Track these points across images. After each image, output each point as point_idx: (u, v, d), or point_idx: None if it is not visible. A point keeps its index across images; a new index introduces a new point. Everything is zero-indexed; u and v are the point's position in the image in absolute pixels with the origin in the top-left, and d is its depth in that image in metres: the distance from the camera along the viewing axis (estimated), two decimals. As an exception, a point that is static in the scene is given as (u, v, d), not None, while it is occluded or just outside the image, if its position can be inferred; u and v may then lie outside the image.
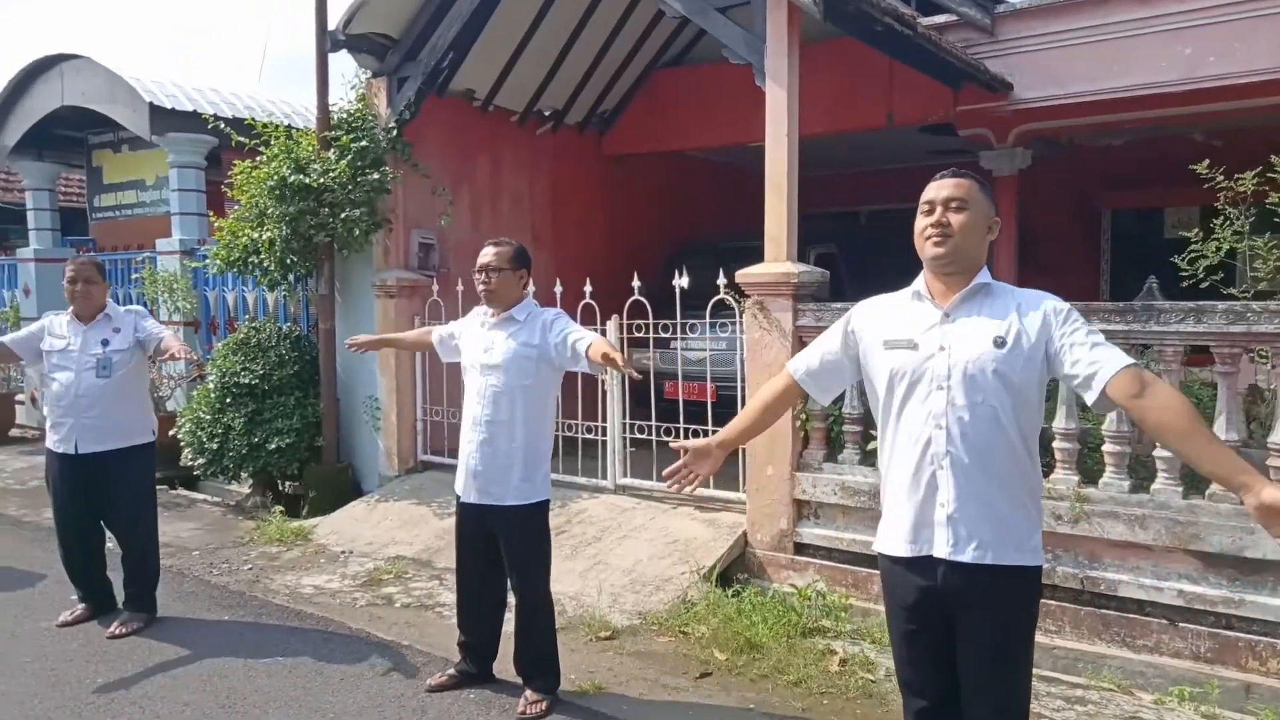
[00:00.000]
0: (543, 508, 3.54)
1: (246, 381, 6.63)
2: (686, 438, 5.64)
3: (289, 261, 6.63)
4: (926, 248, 2.27)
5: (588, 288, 5.82)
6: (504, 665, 3.71)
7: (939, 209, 2.25)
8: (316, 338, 7.26)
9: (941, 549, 2.20)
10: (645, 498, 5.82)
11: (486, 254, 3.51)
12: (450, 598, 4.78)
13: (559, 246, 8.35)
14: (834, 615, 4.41)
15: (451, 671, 3.71)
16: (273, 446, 6.55)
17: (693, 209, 9.95)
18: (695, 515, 5.50)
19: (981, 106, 7.05)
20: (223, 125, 6.89)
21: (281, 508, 6.45)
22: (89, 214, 10.61)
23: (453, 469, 6.82)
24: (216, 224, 6.91)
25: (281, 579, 5.16)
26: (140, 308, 4.49)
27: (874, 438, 4.86)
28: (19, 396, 10.23)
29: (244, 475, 6.86)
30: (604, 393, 5.94)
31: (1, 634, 4.23)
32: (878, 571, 4.74)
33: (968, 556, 2.18)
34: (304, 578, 5.19)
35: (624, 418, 5.89)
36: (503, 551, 3.52)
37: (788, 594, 4.58)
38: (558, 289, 5.85)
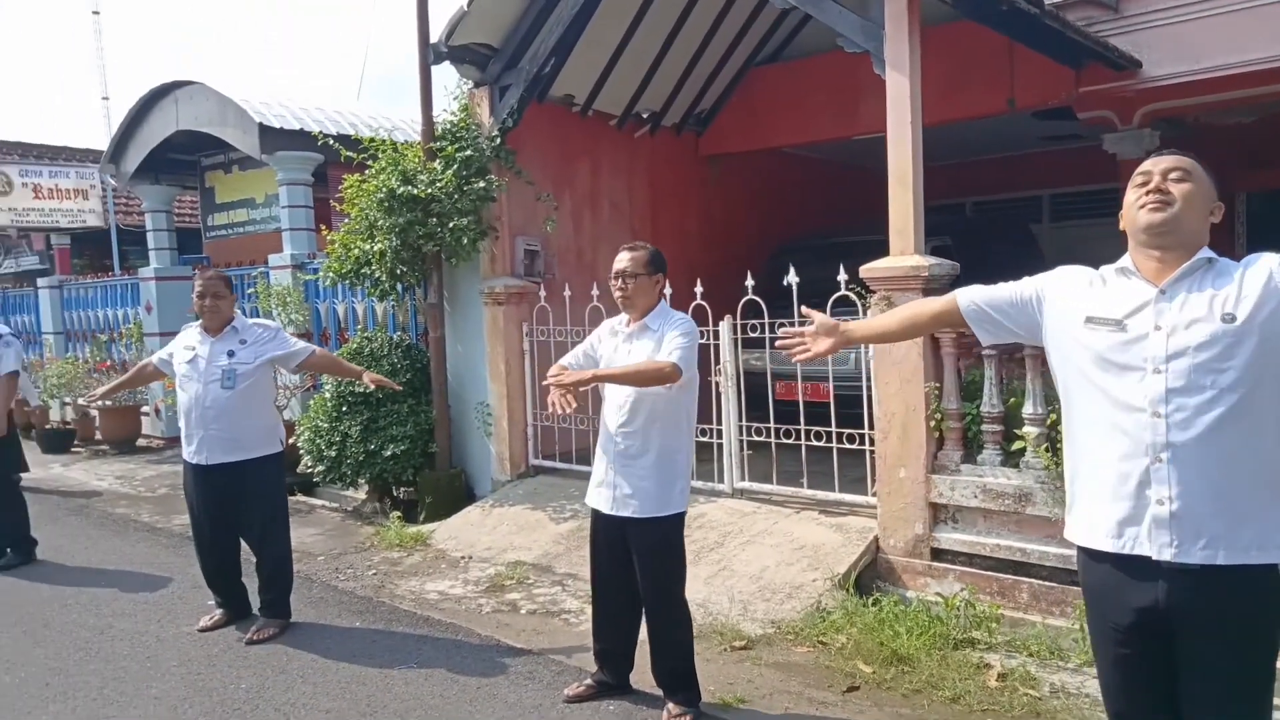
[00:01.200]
0: (678, 521, 3.43)
1: (361, 390, 6.72)
2: (807, 439, 5.51)
3: (399, 272, 6.70)
4: (1140, 216, 2.05)
5: (698, 288, 5.70)
6: (640, 675, 3.61)
7: (1157, 178, 2.04)
8: (425, 346, 7.36)
9: (1160, 550, 1.97)
10: (764, 501, 5.66)
11: (622, 259, 3.43)
12: (575, 604, 4.73)
13: (659, 250, 8.24)
14: (984, 626, 4.17)
15: (589, 682, 3.63)
16: (388, 453, 6.62)
17: (790, 207, 9.75)
18: (820, 520, 5.31)
19: (1106, 87, 6.66)
20: (331, 141, 7.01)
21: (399, 513, 6.51)
22: (203, 233, 11.04)
23: (564, 473, 6.93)
24: (328, 237, 7.04)
25: (406, 584, 5.18)
26: (275, 323, 4.56)
27: (1017, 437, 4.65)
28: (144, 408, 10.68)
29: (361, 481, 6.96)
30: (718, 394, 5.80)
31: (148, 637, 4.34)
32: (1026, 579, 4.55)
33: (1195, 558, 1.94)
34: (427, 583, 5.20)
35: (740, 420, 5.74)
36: (636, 563, 3.42)
37: (932, 603, 4.35)
38: (667, 291, 5.73)
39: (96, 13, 28.78)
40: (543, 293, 6.73)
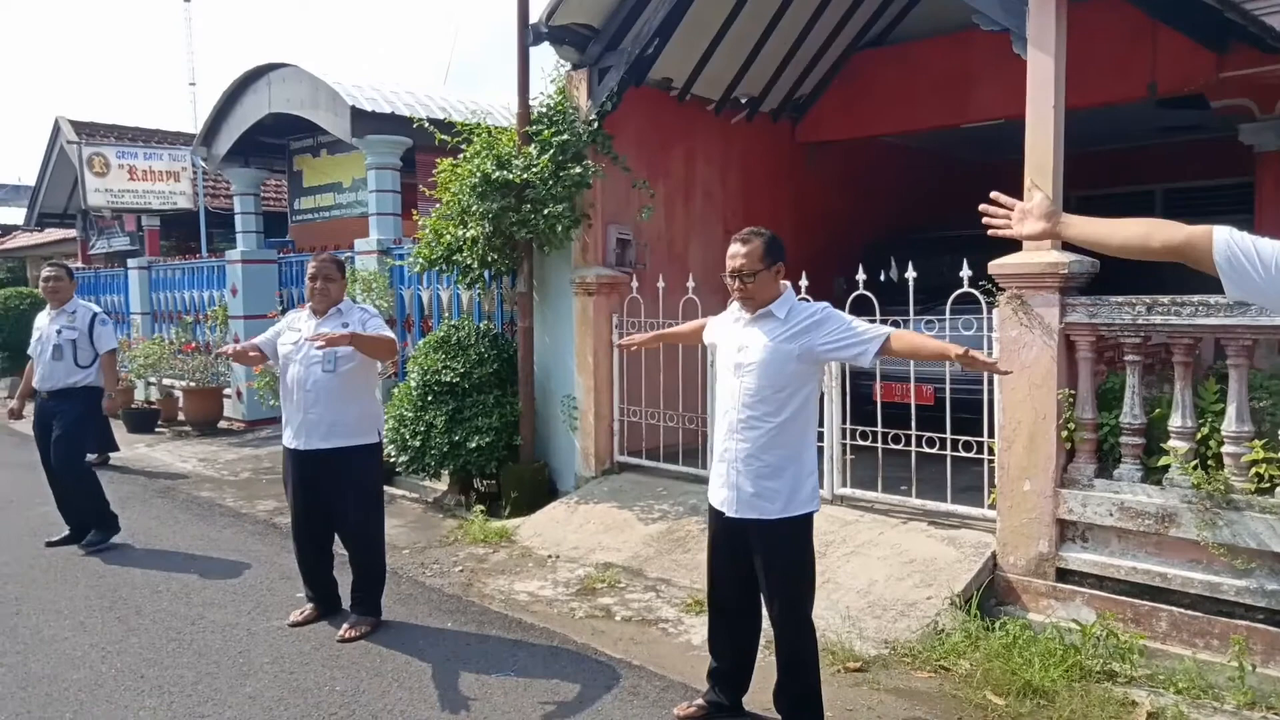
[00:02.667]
0: (808, 523, 3.16)
1: (448, 380, 6.60)
2: (919, 445, 5.18)
3: (489, 259, 6.54)
4: None
5: (804, 281, 5.39)
6: (753, 696, 3.36)
7: None
8: (511, 336, 7.20)
9: None
10: (867, 509, 5.34)
11: (736, 255, 3.14)
12: (672, 612, 4.50)
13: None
14: (1125, 657, 3.80)
15: (700, 702, 3.39)
16: (473, 445, 6.48)
17: (884, 199, 9.36)
18: (929, 532, 4.97)
19: (1251, 72, 6.14)
20: (426, 124, 6.87)
21: (483, 507, 6.37)
22: (289, 216, 11.11)
23: (651, 471, 6.70)
24: (420, 223, 6.92)
25: (494, 583, 5.01)
26: (372, 308, 4.42)
27: (1160, 451, 4.25)
28: (225, 390, 10.80)
29: (443, 473, 6.84)
30: (820, 395, 5.49)
31: (239, 630, 4.24)
32: (1165, 607, 4.15)
33: None
34: (516, 583, 5.02)
35: (843, 422, 5.44)
36: (760, 571, 3.16)
37: (1066, 629, 3.99)
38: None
39: (187, 0, 29.53)
40: (635, 283, 6.51)
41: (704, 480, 6.22)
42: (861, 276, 5.25)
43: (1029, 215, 2.14)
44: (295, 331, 4.23)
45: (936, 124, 7.82)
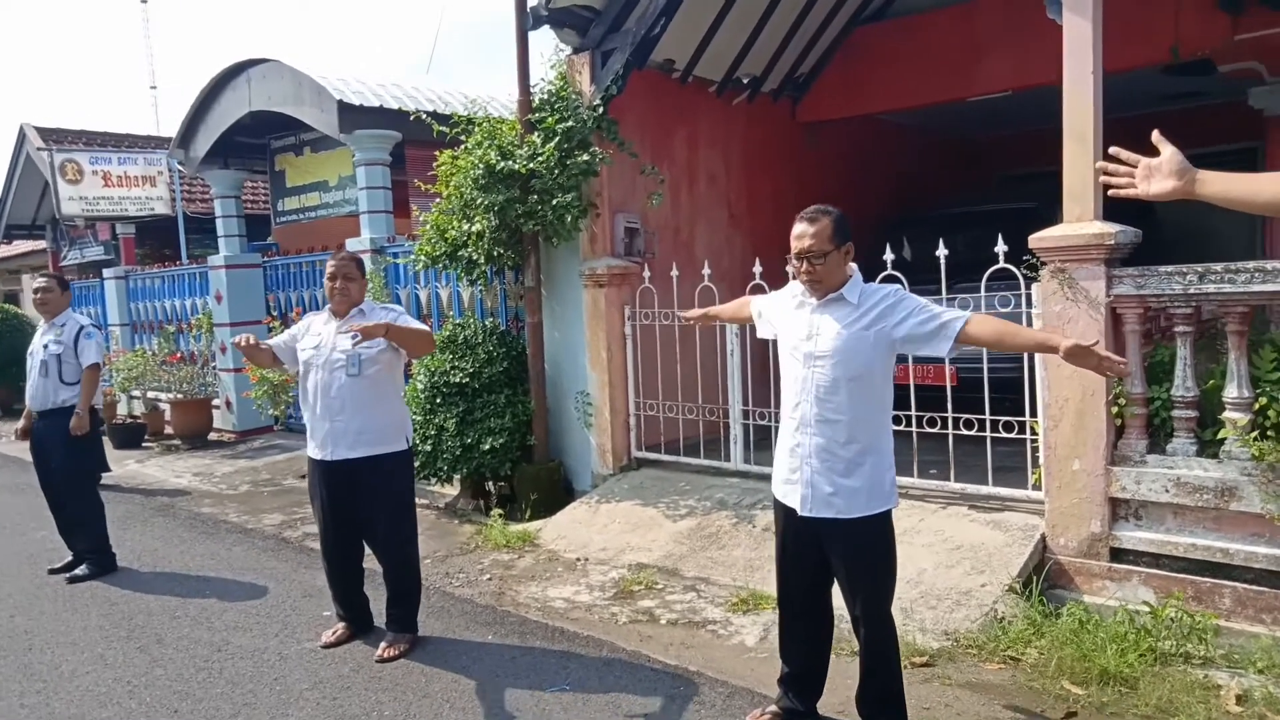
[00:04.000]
0: (889, 519, 3.00)
1: (457, 380, 6.38)
2: (955, 428, 5.04)
3: (495, 254, 6.32)
4: None
5: (757, 268, 5.27)
6: (826, 701, 3.20)
7: None
8: (517, 332, 7.00)
9: None
10: (902, 495, 5.13)
11: (803, 235, 2.93)
12: (718, 613, 4.34)
13: (755, 224, 7.80)
14: (1197, 638, 3.68)
15: (774, 709, 3.23)
16: (486, 447, 6.27)
17: (887, 180, 9.23)
18: (971, 516, 4.85)
19: (1264, 33, 6.05)
20: (425, 117, 6.61)
21: (500, 511, 6.17)
22: (273, 219, 10.77)
23: (670, 466, 6.51)
24: (420, 219, 6.67)
25: (526, 590, 4.82)
26: (399, 307, 4.19)
27: (1218, 423, 4.14)
28: (214, 401, 10.48)
29: (454, 477, 6.63)
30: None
31: (270, 654, 4.02)
32: (1229, 583, 4.04)
33: None
34: (549, 589, 4.83)
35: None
36: (840, 571, 3.00)
37: (1136, 611, 3.87)
38: (758, 268, 5.39)
39: (144, 1, 28.71)
40: (647, 273, 6.31)
41: (727, 473, 6.11)
42: (890, 256, 5.09)
43: (1156, 172, 1.94)
44: (315, 336, 4.00)
45: (941, 98, 7.67)
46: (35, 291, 5.47)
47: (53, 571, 5.40)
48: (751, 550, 4.95)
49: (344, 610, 4.20)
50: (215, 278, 10.29)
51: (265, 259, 10.38)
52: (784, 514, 3.11)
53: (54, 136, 13.39)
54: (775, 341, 3.23)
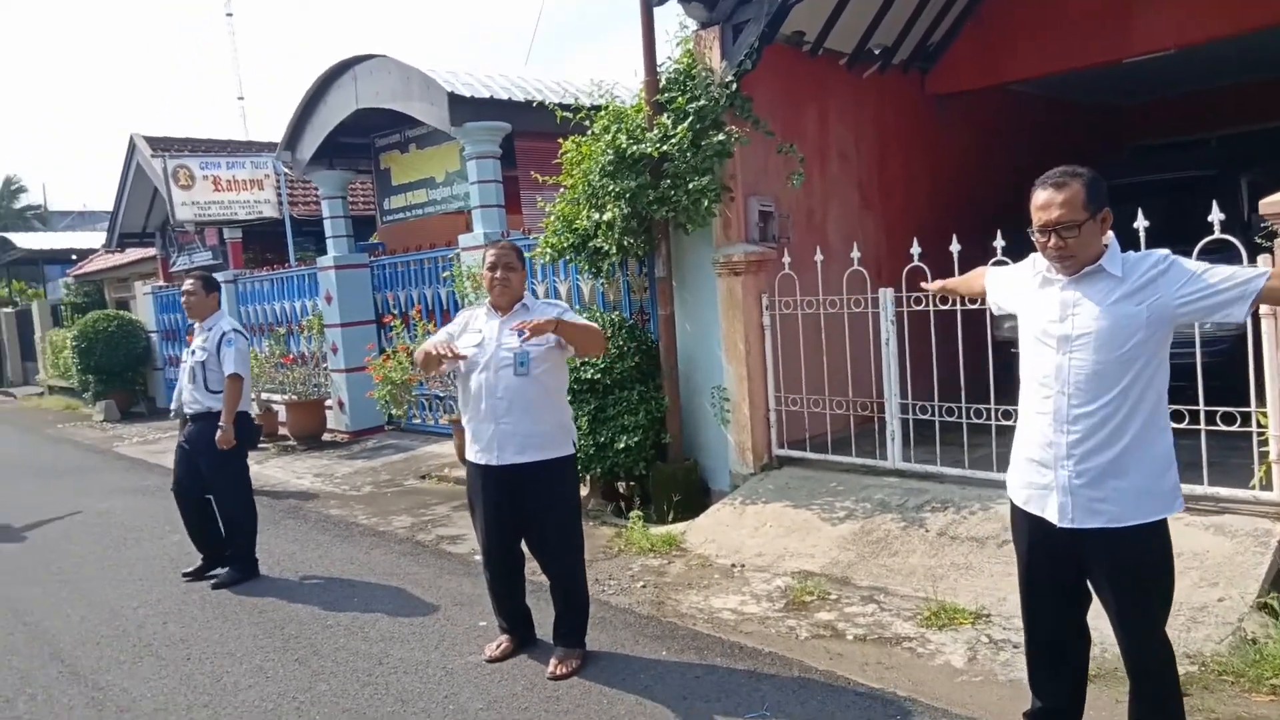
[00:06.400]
0: (1166, 527, 2.57)
1: (589, 377, 6.12)
2: (1174, 420, 4.52)
3: (625, 243, 6.03)
4: None
5: (999, 242, 4.78)
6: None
7: None
8: (643, 326, 6.71)
9: None
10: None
11: (1049, 204, 2.48)
12: (908, 627, 3.95)
13: (887, 204, 7.35)
14: None
15: (1023, 746, 2.83)
16: (621, 445, 6.00)
17: (1020, 153, 8.57)
18: (1187, 520, 4.31)
19: None
20: (551, 105, 6.34)
21: (639, 512, 5.88)
22: (379, 217, 10.74)
23: (815, 465, 6.09)
24: (545, 209, 6.43)
25: (687, 599, 4.52)
26: (563, 302, 3.92)
27: None
28: (328, 401, 10.50)
29: (588, 477, 6.37)
30: (999, 365, 4.90)
31: (434, 669, 3.81)
32: None
33: None
34: (711, 598, 4.52)
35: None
36: (1104, 589, 2.59)
37: None
38: (915, 249, 4.95)
39: (230, 15, 29.58)
40: (786, 259, 5.94)
41: (882, 472, 5.68)
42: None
43: None
44: (475, 333, 3.75)
45: (1089, 62, 7.06)
46: (181, 294, 5.39)
47: (186, 575, 5.33)
48: (929, 557, 4.55)
49: (506, 622, 3.95)
50: (325, 278, 10.29)
51: (372, 259, 10.34)
52: (1029, 525, 2.70)
53: (161, 145, 13.68)
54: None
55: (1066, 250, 2.53)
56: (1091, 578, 2.62)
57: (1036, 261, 2.71)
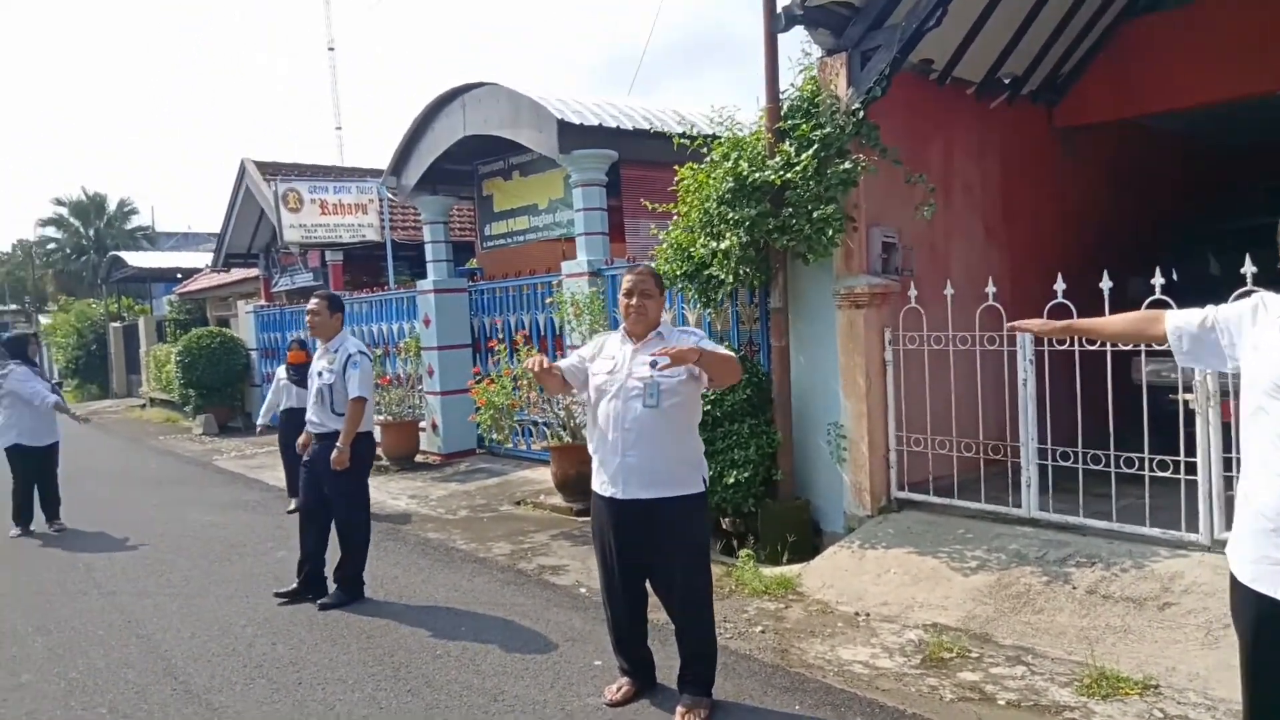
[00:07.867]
0: None
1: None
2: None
3: (742, 273, 5.85)
4: None
5: (1059, 285, 4.49)
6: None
7: None
8: (753, 357, 6.51)
9: None
10: None
11: None
12: (1066, 695, 3.62)
13: (1011, 239, 7.02)
14: None
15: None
16: (730, 480, 5.78)
17: (1150, 190, 8.19)
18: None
19: None
20: (677, 136, 6.24)
21: (749, 552, 5.64)
22: (479, 243, 10.82)
23: (939, 509, 5.70)
24: (660, 237, 6.32)
25: (812, 649, 4.25)
26: (701, 330, 3.75)
27: None
28: (422, 423, 10.54)
29: (693, 513, 6.15)
30: (1188, 412, 4.52)
31: (551, 710, 3.63)
32: None
33: None
34: (839, 649, 4.24)
35: (1223, 449, 4.41)
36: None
37: None
38: (1059, 284, 4.61)
39: (331, 49, 30.73)
40: (913, 292, 5.68)
41: (1015, 520, 5.30)
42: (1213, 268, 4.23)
43: None
44: (609, 359, 3.61)
45: (1232, 94, 6.65)
46: (306, 314, 5.42)
47: (278, 596, 5.28)
48: (1080, 617, 4.19)
49: (627, 664, 3.76)
50: (424, 302, 10.39)
51: (471, 284, 10.40)
52: (1258, 606, 2.37)
53: (269, 169, 14.14)
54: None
55: None
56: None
57: (1270, 302, 2.39)
